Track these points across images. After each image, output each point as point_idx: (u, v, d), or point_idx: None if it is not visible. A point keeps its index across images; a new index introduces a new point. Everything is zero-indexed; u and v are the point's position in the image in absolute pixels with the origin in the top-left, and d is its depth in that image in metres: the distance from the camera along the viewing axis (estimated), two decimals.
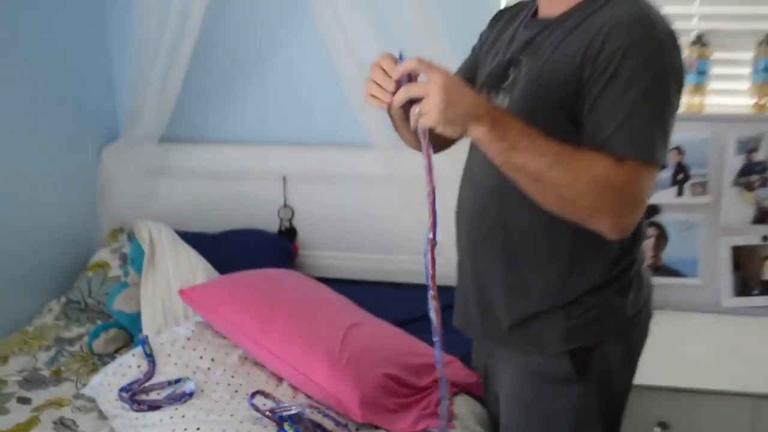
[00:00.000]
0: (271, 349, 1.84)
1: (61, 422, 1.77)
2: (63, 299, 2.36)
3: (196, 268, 2.25)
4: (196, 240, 2.37)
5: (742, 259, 2.31)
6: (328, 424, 1.68)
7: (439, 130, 1.18)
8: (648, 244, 2.34)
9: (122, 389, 1.78)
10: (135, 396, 1.76)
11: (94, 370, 1.98)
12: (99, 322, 2.23)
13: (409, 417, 1.73)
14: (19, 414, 1.80)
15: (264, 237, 2.53)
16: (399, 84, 1.21)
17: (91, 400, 1.85)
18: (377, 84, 1.25)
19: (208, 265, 2.27)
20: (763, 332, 2.25)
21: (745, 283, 2.33)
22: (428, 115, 1.16)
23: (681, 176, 2.30)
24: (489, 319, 1.46)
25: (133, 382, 1.80)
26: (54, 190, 2.45)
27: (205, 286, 2.12)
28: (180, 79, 2.44)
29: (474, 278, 1.47)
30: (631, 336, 1.46)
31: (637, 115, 1.21)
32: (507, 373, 1.50)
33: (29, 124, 2.33)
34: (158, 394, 1.77)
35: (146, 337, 1.96)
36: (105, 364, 2.00)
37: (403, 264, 2.48)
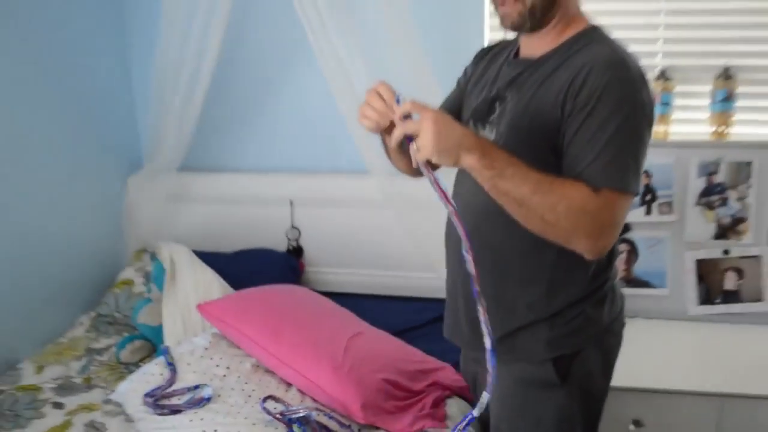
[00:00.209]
0: (280, 357, 1.84)
1: (91, 425, 1.77)
2: (93, 313, 2.35)
3: (212, 285, 2.25)
4: (212, 259, 2.37)
5: (705, 271, 2.32)
6: (333, 425, 1.68)
7: (435, 160, 1.19)
8: (620, 259, 2.34)
9: (146, 395, 1.78)
10: (158, 401, 1.76)
11: (121, 377, 1.98)
12: (125, 334, 2.23)
13: (406, 418, 1.73)
14: (53, 418, 1.80)
15: (273, 255, 2.53)
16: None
17: (119, 405, 1.84)
18: (373, 108, 1.26)
19: (223, 282, 2.28)
20: (726, 337, 2.25)
21: (709, 293, 2.33)
22: (424, 148, 1.18)
23: (649, 197, 2.30)
24: (478, 331, 1.46)
25: (156, 389, 1.80)
26: (85, 215, 2.45)
27: (220, 301, 2.12)
28: (197, 115, 2.45)
29: (464, 292, 1.45)
30: (607, 343, 1.46)
31: (612, 148, 1.23)
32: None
33: (64, 158, 2.34)
34: (179, 399, 1.77)
35: (168, 347, 1.96)
36: (131, 372, 1.99)
37: (399, 279, 2.48)
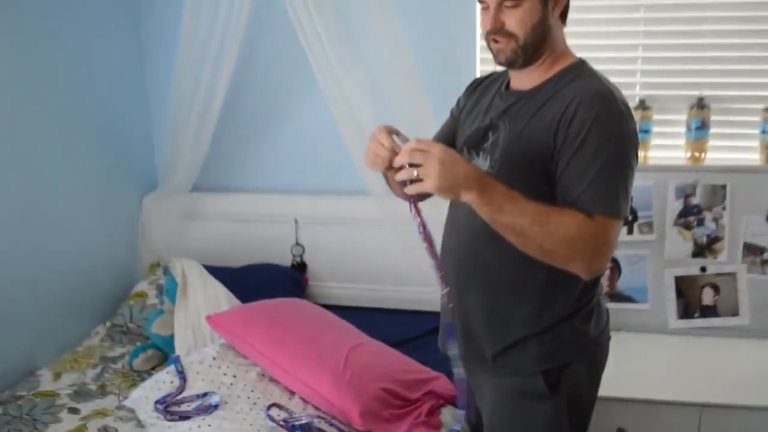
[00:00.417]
0: (284, 367, 1.82)
1: (105, 430, 1.75)
2: (108, 324, 2.33)
3: (221, 298, 2.23)
4: (221, 273, 2.36)
5: (684, 287, 2.30)
6: None
7: (436, 194, 1.19)
8: (605, 275, 2.32)
9: (158, 401, 1.76)
10: (168, 407, 1.74)
11: (134, 384, 1.96)
12: (138, 344, 2.21)
13: (402, 426, 1.70)
14: (69, 422, 1.78)
15: (279, 270, 2.51)
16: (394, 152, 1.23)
17: (131, 410, 1.82)
18: (376, 153, 1.26)
19: (231, 295, 2.26)
20: (704, 350, 2.23)
21: (688, 308, 2.31)
22: (428, 180, 1.17)
23: (630, 218, 2.30)
24: (472, 346, 1.44)
25: (167, 396, 1.78)
26: (103, 232, 2.44)
27: (228, 313, 2.10)
28: (208, 140, 2.46)
29: (459, 308, 1.44)
30: (594, 356, 1.45)
31: (604, 176, 1.23)
32: (488, 391, 1.48)
33: (85, 179, 2.34)
34: (188, 405, 1.75)
35: (178, 356, 1.94)
36: (143, 379, 1.98)
37: (396, 293, 2.47)
